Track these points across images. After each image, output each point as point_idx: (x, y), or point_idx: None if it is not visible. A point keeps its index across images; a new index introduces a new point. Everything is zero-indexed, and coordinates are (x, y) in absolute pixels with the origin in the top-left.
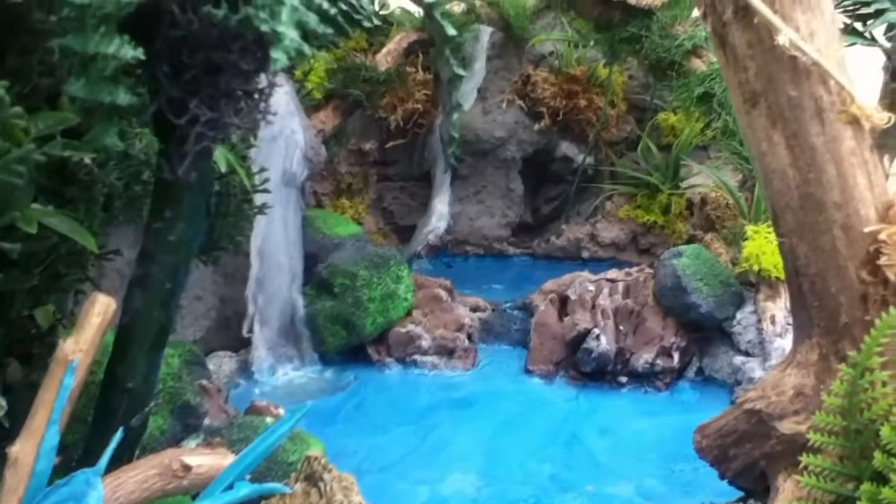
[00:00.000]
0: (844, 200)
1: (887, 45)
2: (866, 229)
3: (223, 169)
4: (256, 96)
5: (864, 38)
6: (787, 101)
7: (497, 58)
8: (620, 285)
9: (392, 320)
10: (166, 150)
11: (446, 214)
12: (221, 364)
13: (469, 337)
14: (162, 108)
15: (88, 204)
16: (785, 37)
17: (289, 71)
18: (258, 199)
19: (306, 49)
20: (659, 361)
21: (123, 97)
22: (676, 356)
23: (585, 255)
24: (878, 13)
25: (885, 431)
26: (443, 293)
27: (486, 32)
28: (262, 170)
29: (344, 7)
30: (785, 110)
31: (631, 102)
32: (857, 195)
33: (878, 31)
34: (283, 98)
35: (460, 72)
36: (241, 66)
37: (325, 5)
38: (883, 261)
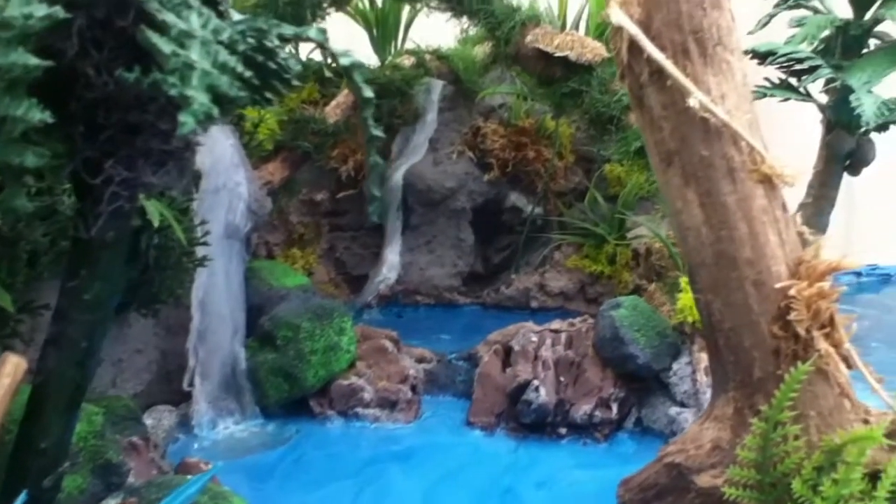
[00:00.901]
0: (756, 257)
1: (821, 100)
2: (777, 285)
3: (156, 223)
4: (183, 155)
5: (799, 93)
6: (699, 160)
7: (448, 110)
8: (563, 336)
9: (335, 372)
10: (82, 209)
11: (397, 264)
12: (161, 418)
13: (413, 389)
14: (77, 168)
15: (12, 261)
16: (695, 99)
17: (237, 123)
18: (200, 251)
19: (216, 112)
20: (598, 413)
21: (32, 159)
22: (615, 407)
23: (534, 304)
24: (812, 69)
25: (796, 485)
26: (388, 344)
27: (437, 85)
28: (203, 222)
29: (272, 66)
30: (698, 169)
31: (579, 154)
32: (769, 252)
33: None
34: (227, 150)
35: (377, 133)
36: (158, 126)
37: (240, 68)
38: (793, 316)
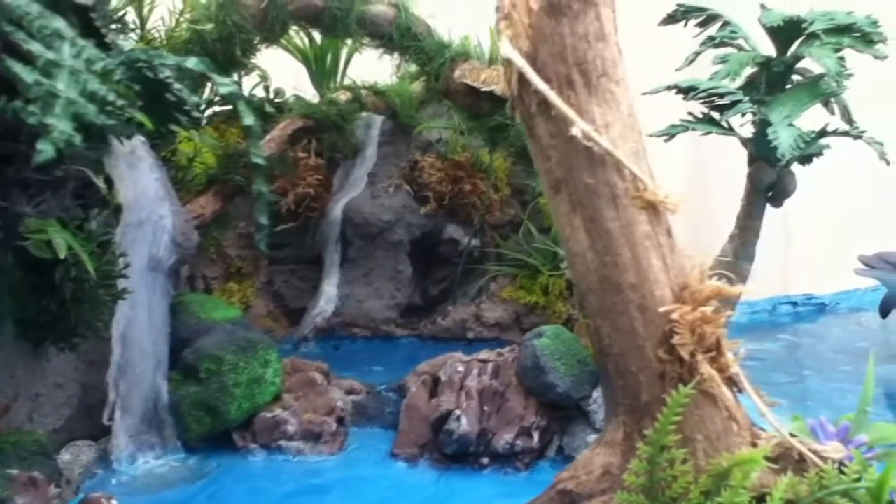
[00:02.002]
0: (640, 282)
1: (744, 134)
2: (661, 310)
3: (62, 255)
4: (64, 184)
5: (721, 127)
6: (584, 188)
7: (387, 144)
8: (490, 366)
9: (259, 405)
10: None
11: (334, 297)
12: (79, 454)
13: (341, 420)
14: None
15: None
16: (578, 128)
17: (169, 157)
18: (121, 284)
19: (77, 140)
20: (519, 442)
21: None
22: (537, 436)
23: (471, 335)
24: (733, 104)
25: None
26: (318, 376)
27: (377, 120)
28: (122, 255)
29: (170, 97)
30: (583, 197)
31: (515, 187)
32: (652, 277)
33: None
34: (152, 184)
35: (260, 161)
36: (32, 156)
37: (111, 97)
38: (676, 340)
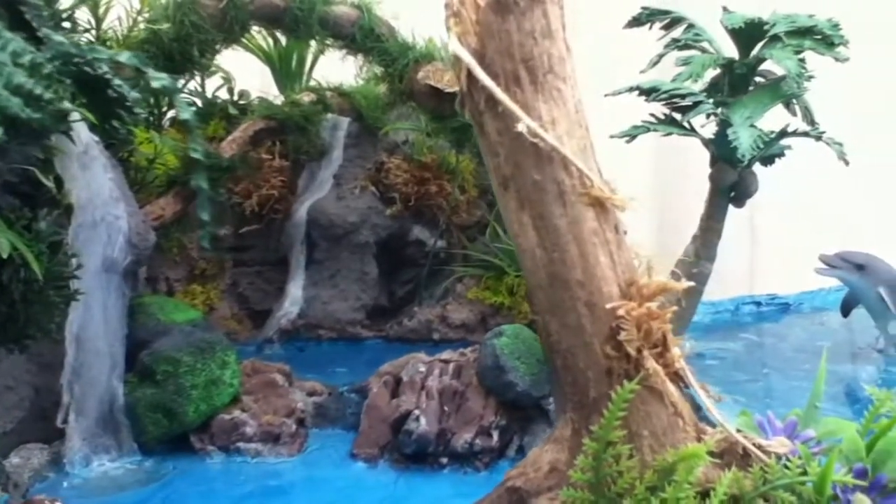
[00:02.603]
0: (587, 278)
1: (706, 135)
2: (608, 306)
3: (5, 254)
4: None
5: (683, 128)
6: (532, 184)
7: (353, 146)
8: (451, 366)
9: (217, 407)
10: None
11: (299, 298)
12: (30, 457)
13: (301, 422)
14: None
15: None
16: (524, 125)
17: (127, 157)
18: (74, 285)
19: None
20: (478, 441)
21: None
22: (496, 435)
23: (436, 336)
24: (695, 105)
25: None
26: (279, 378)
27: (344, 122)
28: (74, 256)
29: (111, 93)
30: (531, 193)
31: (482, 188)
32: (599, 273)
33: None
34: (106, 184)
35: (198, 156)
36: None
37: (38, 90)
38: (623, 336)
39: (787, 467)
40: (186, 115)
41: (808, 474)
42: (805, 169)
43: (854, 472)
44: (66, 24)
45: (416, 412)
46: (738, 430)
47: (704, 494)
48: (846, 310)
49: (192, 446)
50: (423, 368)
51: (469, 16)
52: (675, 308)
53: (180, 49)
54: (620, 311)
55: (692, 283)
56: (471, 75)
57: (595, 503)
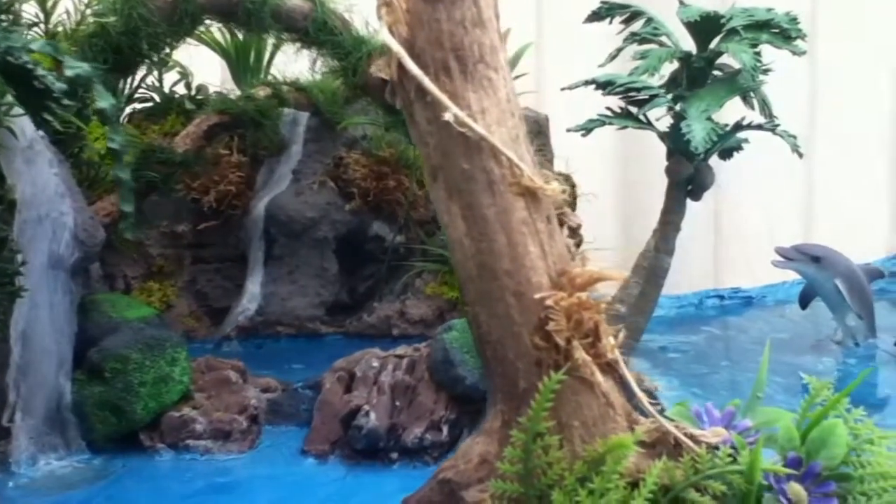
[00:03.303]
0: (515, 268)
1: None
2: (536, 296)
3: None
4: None
5: (639, 121)
6: (461, 174)
7: (313, 141)
8: (405, 361)
9: (167, 405)
10: None
11: (258, 295)
12: None
13: (255, 419)
14: None
15: None
16: (451, 114)
17: (77, 153)
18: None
19: None
20: (428, 436)
21: None
22: (446, 430)
23: (395, 332)
24: (651, 98)
25: (556, 497)
26: (233, 375)
27: (303, 117)
28: (17, 252)
29: (37, 85)
30: (460, 183)
31: None
32: (528, 263)
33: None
34: (51, 180)
35: (116, 146)
36: None
37: None
38: (551, 326)
39: (717, 457)
40: (103, 103)
41: (738, 463)
42: (771, 162)
43: (788, 460)
44: (3, 18)
45: (367, 407)
46: (671, 421)
47: (636, 484)
48: (804, 302)
49: (141, 444)
50: (376, 364)
51: (400, 5)
52: (608, 299)
53: (129, 43)
54: (549, 301)
55: (625, 273)
56: (401, 65)
57: (525, 494)
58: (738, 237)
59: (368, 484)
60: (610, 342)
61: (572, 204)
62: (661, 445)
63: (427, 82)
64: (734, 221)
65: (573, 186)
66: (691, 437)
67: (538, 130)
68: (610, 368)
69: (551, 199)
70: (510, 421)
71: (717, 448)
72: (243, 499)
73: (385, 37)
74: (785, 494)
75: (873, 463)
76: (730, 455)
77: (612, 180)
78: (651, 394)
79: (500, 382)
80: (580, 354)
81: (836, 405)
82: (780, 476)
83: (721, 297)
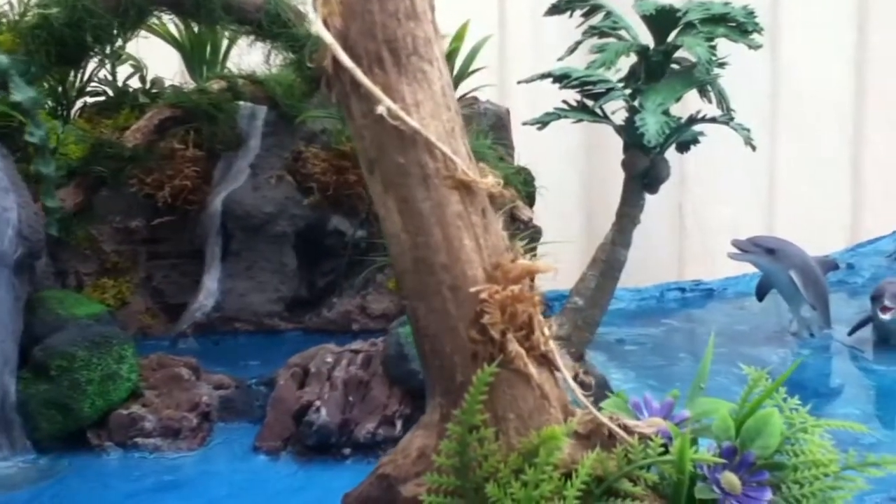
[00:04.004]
0: (451, 262)
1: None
2: (471, 289)
3: None
4: None
5: (595, 114)
6: (395, 167)
7: (271, 135)
8: (360, 356)
9: (113, 403)
10: None
11: (215, 291)
12: None
13: (206, 416)
14: None
15: None
16: (383, 106)
17: (23, 147)
18: None
19: None
20: (381, 431)
21: None
22: (399, 425)
23: (356, 327)
24: (608, 92)
25: (490, 489)
26: (185, 372)
27: (261, 110)
28: None
29: None
30: (395, 177)
31: None
32: (464, 257)
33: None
34: None
35: (35, 140)
36: None
37: None
38: (486, 319)
39: (649, 447)
40: (20, 97)
41: (669, 454)
42: (736, 156)
43: (723, 450)
44: None
45: (318, 403)
46: (606, 412)
47: (570, 475)
48: (761, 294)
49: (88, 443)
50: (330, 359)
51: None
52: (542, 292)
53: (73, 35)
54: (483, 295)
55: (555, 267)
56: (335, 57)
57: (461, 487)
58: (702, 230)
59: (319, 480)
60: (545, 334)
61: (530, 197)
62: (596, 437)
63: (360, 74)
64: (698, 215)
65: (532, 180)
66: (625, 427)
67: (499, 124)
68: (546, 360)
69: (486, 192)
70: (448, 414)
71: (650, 439)
72: (190, 496)
73: (318, 28)
74: (718, 484)
75: (807, 451)
76: (663, 445)
77: (576, 173)
78: (587, 386)
79: (438, 376)
80: (514, 347)
81: (772, 394)
82: (716, 466)
83: (682, 290)
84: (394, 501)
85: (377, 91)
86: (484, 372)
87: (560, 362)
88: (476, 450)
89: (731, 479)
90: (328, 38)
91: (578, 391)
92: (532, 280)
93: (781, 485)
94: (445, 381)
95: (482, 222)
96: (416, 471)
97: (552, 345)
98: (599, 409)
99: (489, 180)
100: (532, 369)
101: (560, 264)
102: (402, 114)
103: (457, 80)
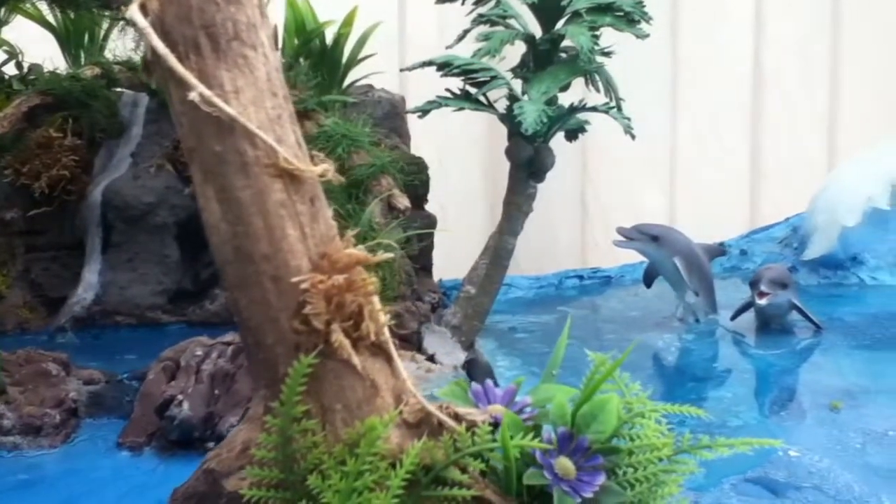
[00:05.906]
0: (273, 252)
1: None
2: (294, 279)
3: None
4: None
5: (478, 102)
6: (213, 155)
7: (153, 122)
8: (231, 349)
9: None
10: None
11: (95, 284)
12: None
13: (74, 412)
14: None
15: None
16: (196, 93)
17: None
18: None
19: None
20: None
21: None
22: None
23: None
24: (491, 80)
25: (312, 480)
26: (53, 368)
27: (144, 98)
28: None
29: None
30: (213, 165)
31: None
32: (286, 246)
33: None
34: None
35: None
36: None
37: None
38: (309, 310)
39: (476, 435)
40: None
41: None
42: (637, 144)
43: (560, 435)
44: None
45: (180, 397)
46: (437, 400)
47: (397, 465)
48: (648, 281)
49: None
50: (200, 352)
51: None
52: (374, 280)
53: None
54: (306, 285)
55: (390, 255)
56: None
57: (285, 480)
58: (605, 218)
59: (177, 475)
60: (377, 323)
61: (423, 185)
62: (425, 426)
63: (173, 61)
64: (600, 202)
65: (426, 168)
66: (455, 416)
67: (393, 112)
68: (379, 350)
69: (315, 180)
70: (271, 407)
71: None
72: (45, 495)
73: (133, 13)
74: (552, 469)
75: (643, 436)
76: (490, 433)
77: (479, 162)
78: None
79: (262, 368)
80: (337, 337)
81: (608, 379)
82: (550, 451)
83: (581, 278)
84: (220, 496)
85: (190, 77)
86: (301, 363)
87: (394, 351)
88: (299, 441)
89: (565, 464)
90: (142, 22)
91: (409, 380)
92: (371, 269)
93: (616, 469)
94: (268, 373)
95: (309, 211)
96: (239, 465)
97: (387, 334)
98: (435, 398)
99: (317, 168)
100: (357, 360)
101: (461, 254)
102: (216, 100)
103: (346, 67)
